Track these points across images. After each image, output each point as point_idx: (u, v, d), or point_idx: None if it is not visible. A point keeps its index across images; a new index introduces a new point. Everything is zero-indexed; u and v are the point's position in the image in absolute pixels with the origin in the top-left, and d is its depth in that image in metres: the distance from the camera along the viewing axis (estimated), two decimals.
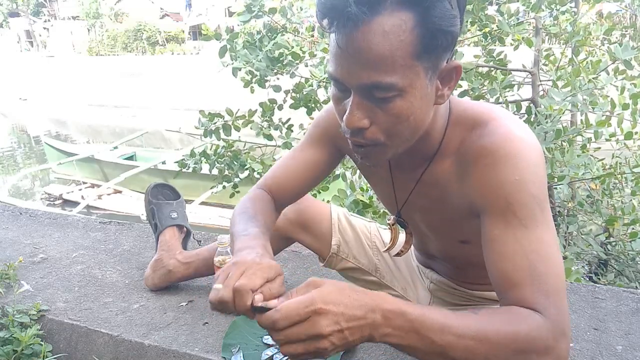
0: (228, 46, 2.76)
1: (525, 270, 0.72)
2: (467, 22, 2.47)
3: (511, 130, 0.78)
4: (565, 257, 2.34)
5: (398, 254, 1.12)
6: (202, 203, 6.35)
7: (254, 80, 2.84)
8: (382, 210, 2.41)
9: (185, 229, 1.56)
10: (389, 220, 1.07)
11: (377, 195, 1.14)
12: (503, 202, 0.76)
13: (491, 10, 2.56)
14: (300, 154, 1.09)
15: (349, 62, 0.71)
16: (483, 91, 2.47)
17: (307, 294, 0.64)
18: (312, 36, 3.23)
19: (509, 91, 2.55)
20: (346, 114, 0.75)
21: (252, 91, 2.88)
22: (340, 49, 0.71)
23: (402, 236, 1.12)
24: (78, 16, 28.42)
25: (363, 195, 2.46)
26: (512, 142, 0.77)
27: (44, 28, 31.42)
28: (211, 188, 3.53)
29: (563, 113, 2.23)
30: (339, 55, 0.72)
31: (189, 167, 2.95)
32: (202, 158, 2.94)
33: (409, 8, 0.68)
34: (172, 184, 1.65)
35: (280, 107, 2.92)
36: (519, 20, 2.51)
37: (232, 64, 2.77)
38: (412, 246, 1.15)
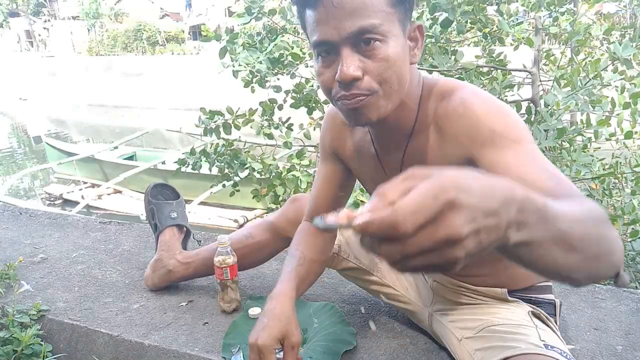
0: (228, 47, 2.76)
1: (540, 172, 0.72)
2: (467, 22, 2.47)
3: (477, 90, 0.86)
4: None
5: None
6: (202, 203, 6.35)
7: (254, 80, 2.84)
8: None
9: (185, 228, 1.56)
10: None
11: (369, 187, 1.15)
12: (487, 132, 0.79)
13: (491, 10, 2.56)
14: (320, 174, 1.18)
15: (334, 19, 0.79)
16: None
17: (426, 181, 0.44)
18: None
19: (509, 91, 2.55)
20: (339, 68, 0.80)
21: (253, 91, 2.88)
22: (324, 9, 0.79)
23: None
24: (78, 16, 28.41)
25: (363, 195, 2.46)
26: (480, 94, 0.84)
27: (44, 28, 31.42)
28: (211, 187, 3.53)
29: (568, 109, 2.23)
30: (323, 18, 0.80)
31: (188, 165, 2.95)
32: (202, 157, 2.93)
33: None
34: (172, 184, 1.65)
35: (281, 107, 2.92)
36: (519, 21, 2.52)
37: (233, 65, 2.77)
38: None
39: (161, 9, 29.38)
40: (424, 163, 0.92)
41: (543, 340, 0.88)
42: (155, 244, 1.54)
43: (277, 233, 1.37)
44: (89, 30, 27.34)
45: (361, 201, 2.42)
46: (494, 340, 0.92)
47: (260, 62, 2.65)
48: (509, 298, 1.02)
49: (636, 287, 2.39)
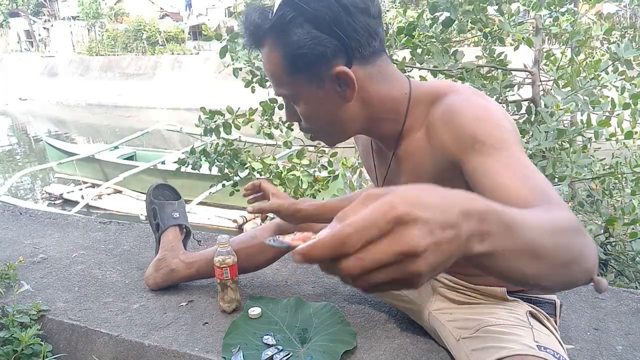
0: (228, 47, 2.75)
1: (517, 180, 0.73)
2: (468, 22, 2.47)
3: (467, 94, 0.88)
4: None
5: None
6: (201, 203, 6.35)
7: (254, 80, 2.84)
8: None
9: (185, 228, 1.57)
10: None
11: (372, 180, 1.22)
12: (469, 139, 0.81)
13: (491, 10, 2.56)
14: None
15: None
16: (484, 91, 2.47)
17: (379, 199, 0.43)
18: None
19: (509, 91, 2.55)
20: None
21: (253, 91, 2.88)
22: None
23: None
24: (78, 16, 28.40)
25: None
26: (467, 100, 0.86)
27: (44, 28, 31.41)
28: (210, 186, 3.53)
29: (568, 111, 2.23)
30: None
31: (188, 164, 2.95)
32: (202, 156, 2.93)
33: (274, 40, 0.90)
34: (171, 185, 1.65)
35: (281, 107, 2.92)
36: (520, 21, 2.52)
37: (233, 64, 2.77)
38: None
39: (161, 9, 29.38)
40: (412, 165, 0.97)
41: (537, 342, 0.88)
42: (156, 243, 1.54)
43: (279, 233, 1.37)
44: (89, 30, 27.33)
45: None
46: (489, 340, 0.93)
47: (260, 60, 2.65)
48: (509, 297, 1.02)
49: (636, 287, 2.39)
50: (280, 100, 2.90)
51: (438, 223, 0.43)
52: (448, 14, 2.25)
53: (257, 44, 0.94)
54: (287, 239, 0.48)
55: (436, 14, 2.43)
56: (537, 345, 0.87)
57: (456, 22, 2.35)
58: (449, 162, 0.86)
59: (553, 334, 0.97)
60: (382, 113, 0.95)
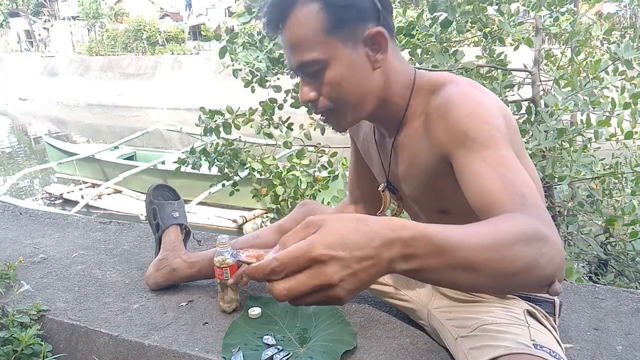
0: (228, 47, 2.76)
1: (498, 182, 0.76)
2: (467, 22, 2.47)
3: (465, 86, 0.89)
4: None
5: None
6: (201, 203, 6.36)
7: (254, 80, 2.84)
8: None
9: (185, 228, 1.57)
10: (380, 188, 1.15)
11: (374, 172, 1.21)
12: (461, 134, 0.83)
13: (491, 10, 2.56)
14: (351, 156, 1.31)
15: (286, 52, 0.92)
16: None
17: (306, 238, 0.53)
18: None
19: (509, 91, 2.55)
20: (300, 92, 0.94)
21: (253, 91, 2.88)
22: (282, 39, 0.92)
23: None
24: (78, 16, 28.39)
25: None
26: (464, 93, 0.87)
27: (44, 28, 31.41)
28: (210, 186, 3.53)
29: (567, 110, 2.23)
30: (283, 47, 0.92)
31: (188, 164, 2.95)
32: (202, 156, 2.93)
33: None
34: (171, 185, 1.66)
35: (281, 107, 2.92)
36: (520, 21, 2.52)
37: (232, 65, 2.77)
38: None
39: (161, 9, 29.38)
40: (409, 155, 0.99)
41: (533, 340, 0.88)
42: (156, 244, 1.54)
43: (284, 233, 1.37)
44: (89, 30, 27.33)
45: None
46: (486, 339, 0.93)
47: (260, 61, 2.65)
48: (507, 295, 1.02)
49: (636, 287, 2.39)
50: (280, 99, 2.90)
51: (354, 259, 0.52)
52: (447, 15, 2.25)
53: (287, 9, 0.88)
54: (243, 254, 0.58)
55: (436, 14, 2.43)
56: (533, 344, 0.87)
57: (454, 22, 2.35)
58: (441, 155, 0.88)
59: (551, 332, 0.97)
60: (393, 93, 0.96)
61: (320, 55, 0.88)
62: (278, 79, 2.88)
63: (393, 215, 1.14)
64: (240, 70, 2.82)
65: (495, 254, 0.59)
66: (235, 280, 1.28)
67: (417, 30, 2.59)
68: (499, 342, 0.89)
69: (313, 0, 0.87)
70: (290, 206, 2.84)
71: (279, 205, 2.89)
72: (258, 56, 2.67)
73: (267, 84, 2.85)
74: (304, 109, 2.91)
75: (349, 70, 0.89)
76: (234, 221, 6.28)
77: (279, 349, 1.14)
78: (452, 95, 0.87)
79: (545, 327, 0.97)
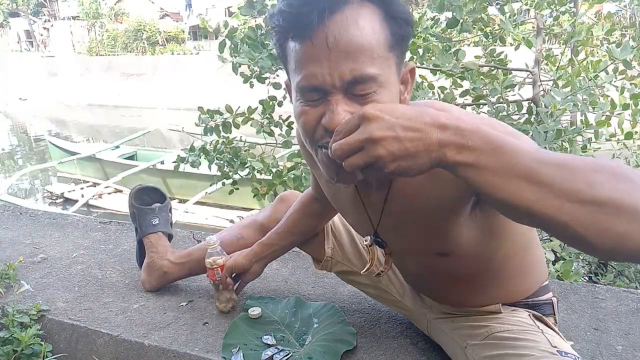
0: (227, 42, 2.74)
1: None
2: (471, 22, 2.47)
3: (455, 111, 0.78)
4: (563, 258, 2.34)
5: (378, 275, 1.02)
6: (199, 203, 6.36)
7: (253, 75, 2.83)
8: None
9: (166, 234, 1.52)
10: (365, 242, 0.98)
11: (348, 221, 1.10)
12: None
13: (492, 10, 2.56)
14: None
15: (327, 60, 0.68)
16: (484, 91, 2.47)
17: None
18: None
19: (509, 91, 2.55)
20: (329, 115, 0.69)
21: (252, 86, 2.87)
22: (313, 47, 0.68)
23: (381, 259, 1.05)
24: (78, 16, 28.40)
25: None
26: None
27: (44, 28, 31.43)
28: (210, 185, 3.53)
29: (566, 111, 2.23)
30: (313, 57, 0.69)
31: (187, 162, 2.94)
32: (202, 154, 2.93)
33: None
34: (168, 184, 1.63)
35: (281, 104, 2.90)
36: (521, 20, 2.52)
37: (234, 61, 2.76)
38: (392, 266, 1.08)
39: (161, 9, 29.38)
40: (409, 204, 0.85)
41: (555, 347, 0.86)
42: (137, 245, 1.55)
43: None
44: (89, 30, 27.35)
45: None
46: (503, 347, 0.90)
47: (263, 59, 2.63)
48: (502, 311, 0.99)
49: (636, 287, 2.39)
50: (279, 96, 2.87)
51: (399, 125, 0.58)
52: (452, 14, 2.25)
53: (339, 3, 0.68)
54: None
55: (436, 14, 2.43)
56: (557, 351, 0.84)
57: (460, 22, 2.35)
58: (453, 196, 0.80)
59: (559, 335, 0.95)
60: None
61: (380, 73, 0.69)
62: (278, 75, 2.87)
63: (380, 273, 0.99)
64: (240, 66, 2.80)
65: (566, 171, 0.54)
66: (223, 283, 1.29)
67: (418, 30, 2.59)
68: (520, 351, 0.86)
69: (371, 6, 0.69)
70: None
71: None
72: (262, 53, 2.64)
73: (267, 80, 2.84)
74: None
75: (394, 97, 0.73)
76: (232, 221, 6.29)
77: (278, 349, 1.14)
78: None
79: (554, 330, 0.96)
